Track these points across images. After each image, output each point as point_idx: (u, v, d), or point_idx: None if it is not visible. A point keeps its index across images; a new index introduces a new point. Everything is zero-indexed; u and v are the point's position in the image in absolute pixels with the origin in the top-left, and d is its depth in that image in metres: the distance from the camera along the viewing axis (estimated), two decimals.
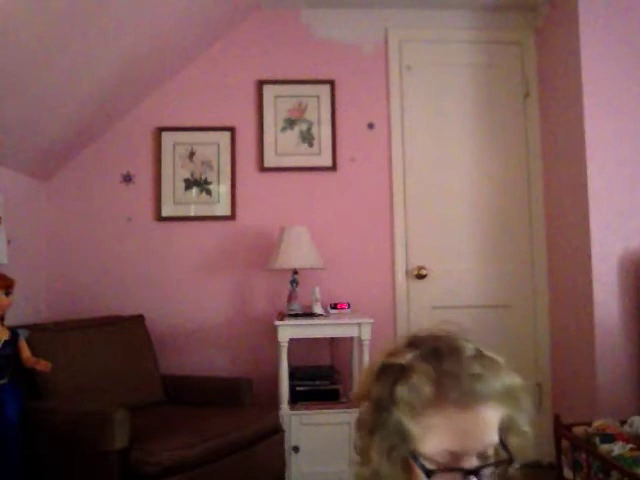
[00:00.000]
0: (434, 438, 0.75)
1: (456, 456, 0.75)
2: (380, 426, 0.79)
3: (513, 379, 0.80)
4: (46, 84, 2.49)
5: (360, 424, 0.84)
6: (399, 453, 0.78)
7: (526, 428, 0.82)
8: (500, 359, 0.83)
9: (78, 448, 2.25)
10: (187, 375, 3.12)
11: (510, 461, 0.78)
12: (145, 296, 3.27)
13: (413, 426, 0.76)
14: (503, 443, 0.78)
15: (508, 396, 0.78)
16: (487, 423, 0.76)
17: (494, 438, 0.77)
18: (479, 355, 0.80)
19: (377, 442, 0.80)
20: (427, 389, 0.75)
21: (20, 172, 2.97)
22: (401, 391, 0.77)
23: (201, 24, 3.14)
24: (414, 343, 0.83)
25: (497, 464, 0.76)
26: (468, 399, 0.75)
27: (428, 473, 0.75)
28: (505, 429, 0.80)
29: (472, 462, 0.75)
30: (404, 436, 0.77)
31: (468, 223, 3.44)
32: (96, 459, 2.19)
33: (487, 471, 0.75)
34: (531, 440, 0.82)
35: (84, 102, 2.89)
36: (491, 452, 0.77)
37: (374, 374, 0.82)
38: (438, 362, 0.78)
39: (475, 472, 0.74)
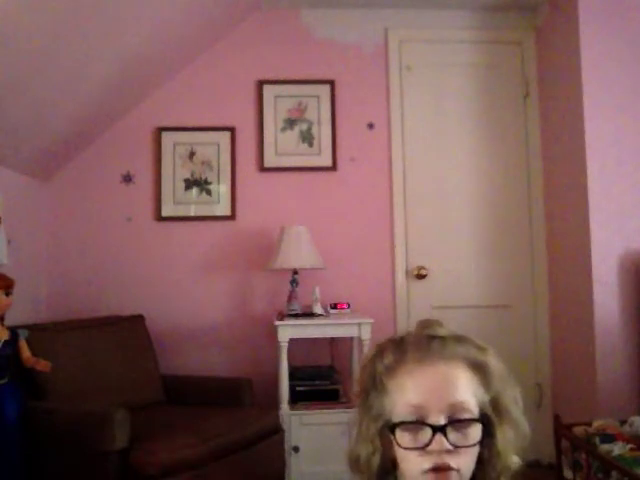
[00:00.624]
0: (401, 397, 0.79)
1: (422, 412, 0.77)
2: (366, 411, 0.84)
3: (490, 358, 0.84)
4: (46, 84, 2.49)
5: (357, 415, 0.88)
6: (376, 426, 0.82)
7: (520, 421, 0.83)
8: (485, 344, 0.86)
9: (78, 448, 2.25)
10: (187, 375, 3.12)
11: (480, 421, 0.79)
12: (145, 296, 3.27)
13: (385, 397, 0.81)
14: (489, 439, 0.80)
15: (481, 370, 0.82)
16: (450, 377, 0.79)
17: (463, 396, 0.78)
18: (449, 331, 0.85)
19: (364, 427, 0.84)
20: (390, 357, 0.83)
21: (20, 172, 2.97)
22: (374, 367, 0.84)
23: (201, 24, 3.14)
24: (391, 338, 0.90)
25: (465, 421, 0.77)
26: (426, 355, 0.80)
27: (393, 427, 0.79)
28: (495, 412, 0.81)
29: (439, 419, 0.77)
30: (380, 411, 0.82)
31: (468, 223, 3.44)
32: (96, 459, 2.18)
33: (456, 429, 0.76)
34: (526, 437, 0.83)
35: (84, 102, 2.89)
36: (467, 414, 0.78)
37: (361, 369, 0.90)
38: (407, 338, 0.84)
39: (441, 428, 0.76)
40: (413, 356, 0.81)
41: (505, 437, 0.81)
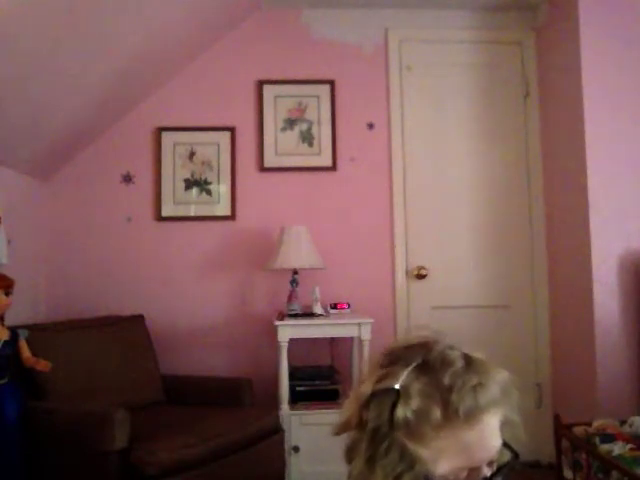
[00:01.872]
0: (446, 458, 0.72)
1: (469, 470, 0.73)
2: (381, 455, 0.74)
3: (503, 376, 0.78)
4: (46, 84, 2.49)
5: (352, 454, 0.79)
6: (409, 477, 0.74)
7: (516, 417, 0.81)
8: (483, 356, 0.80)
9: (78, 448, 2.25)
10: (187, 375, 3.12)
11: (516, 457, 0.77)
12: (145, 296, 3.27)
13: (422, 450, 0.73)
14: (505, 442, 0.78)
15: (504, 396, 0.77)
16: (493, 430, 0.75)
17: (499, 441, 0.76)
18: (469, 361, 0.77)
19: (380, 471, 0.75)
20: (435, 412, 0.72)
21: (20, 172, 2.97)
22: (404, 416, 0.72)
23: (201, 24, 3.14)
24: (396, 359, 0.78)
25: (507, 467, 0.76)
26: (475, 413, 0.72)
27: None
28: (502, 426, 0.79)
29: (484, 471, 0.74)
30: (412, 461, 0.73)
31: (468, 223, 3.44)
32: (96, 459, 2.18)
33: (499, 476, 0.75)
34: (521, 426, 0.82)
35: (84, 102, 2.89)
36: (496, 455, 0.76)
37: (363, 402, 0.77)
38: (433, 379, 0.74)
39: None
40: (461, 414, 0.71)
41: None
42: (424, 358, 0.76)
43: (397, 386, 0.74)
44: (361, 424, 0.76)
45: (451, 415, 0.72)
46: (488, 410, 0.74)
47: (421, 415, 0.72)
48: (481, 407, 0.73)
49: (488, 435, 0.74)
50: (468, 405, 0.72)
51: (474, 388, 0.73)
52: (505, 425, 0.79)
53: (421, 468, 0.73)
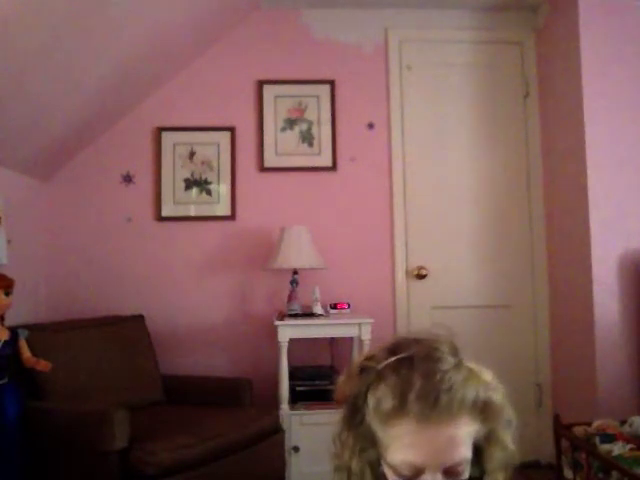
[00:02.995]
0: (397, 449, 0.75)
1: (418, 470, 0.74)
2: (354, 426, 0.81)
3: (492, 393, 0.78)
4: (46, 84, 2.49)
5: (341, 421, 0.85)
6: (368, 455, 0.80)
7: (509, 443, 0.81)
8: (483, 371, 0.80)
9: (78, 448, 2.25)
10: (187, 375, 3.12)
11: (480, 478, 0.78)
12: (145, 296, 3.27)
13: (381, 433, 0.77)
14: (477, 458, 0.78)
15: (484, 411, 0.76)
16: (454, 439, 0.74)
17: (464, 454, 0.75)
18: (456, 367, 0.77)
19: (351, 440, 0.82)
20: (389, 402, 0.75)
21: (20, 172, 2.97)
22: (370, 398, 0.79)
23: (201, 24, 3.14)
24: (395, 348, 0.82)
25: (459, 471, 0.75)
26: (431, 414, 0.73)
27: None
28: (486, 441, 0.79)
29: (436, 478, 0.74)
30: (373, 440, 0.79)
31: (468, 223, 3.44)
32: (96, 459, 2.19)
33: (449, 476, 0.74)
34: (514, 457, 0.82)
35: (84, 102, 2.89)
36: (463, 468, 0.75)
37: (353, 374, 0.84)
38: (409, 373, 0.76)
39: None
40: (416, 412, 0.73)
41: (493, 459, 0.81)
42: (411, 353, 0.79)
43: (378, 368, 0.80)
44: (346, 395, 0.84)
45: (403, 409, 0.74)
46: (450, 417, 0.74)
47: (379, 402, 0.77)
48: (440, 412, 0.73)
49: (444, 442, 0.74)
50: (425, 405, 0.73)
51: (440, 391, 0.74)
52: (490, 442, 0.79)
53: (379, 449, 0.78)
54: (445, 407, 0.73)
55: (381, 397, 0.77)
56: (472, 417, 0.76)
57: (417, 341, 0.82)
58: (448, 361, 0.78)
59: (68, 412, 2.36)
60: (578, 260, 3.02)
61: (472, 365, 0.80)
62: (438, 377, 0.75)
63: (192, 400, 2.87)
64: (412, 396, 0.74)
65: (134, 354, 2.94)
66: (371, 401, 0.78)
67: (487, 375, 0.80)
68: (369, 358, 0.83)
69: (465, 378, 0.76)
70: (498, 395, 0.79)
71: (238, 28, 3.42)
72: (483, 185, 3.46)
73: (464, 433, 0.75)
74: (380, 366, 0.79)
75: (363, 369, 0.82)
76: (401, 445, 0.75)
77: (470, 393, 0.75)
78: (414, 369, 0.77)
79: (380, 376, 0.79)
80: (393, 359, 0.79)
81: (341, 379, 0.87)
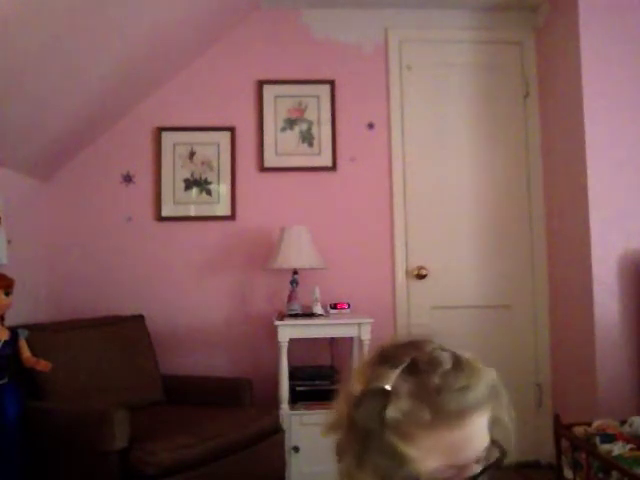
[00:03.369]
0: (433, 457, 0.74)
1: (457, 468, 0.74)
2: (371, 455, 0.76)
3: (491, 376, 0.79)
4: (46, 84, 2.49)
5: (342, 451, 0.79)
6: (398, 476, 0.76)
7: (507, 420, 0.82)
8: (472, 356, 0.81)
9: (78, 448, 2.25)
10: (187, 375, 3.12)
11: (504, 455, 0.78)
12: (145, 296, 3.27)
13: (410, 449, 0.74)
14: (493, 440, 0.79)
15: (492, 396, 0.78)
16: (481, 430, 0.76)
17: (487, 440, 0.77)
18: (457, 361, 0.78)
19: (370, 469, 0.76)
20: (424, 413, 0.73)
21: (20, 172, 2.97)
22: (394, 417, 0.74)
23: (201, 24, 3.14)
24: (386, 359, 0.79)
25: (495, 465, 0.77)
26: (462, 414, 0.74)
27: None
28: (491, 425, 0.80)
29: (472, 469, 0.75)
30: (401, 460, 0.75)
31: (468, 223, 3.44)
32: (96, 459, 2.19)
33: (486, 474, 0.76)
34: (510, 426, 0.82)
35: (84, 102, 2.89)
36: (484, 452, 0.77)
37: (353, 402, 0.77)
38: (422, 379, 0.75)
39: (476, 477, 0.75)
40: (448, 415, 0.72)
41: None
42: (413, 358, 0.77)
43: (387, 387, 0.75)
44: (351, 424, 0.77)
45: (439, 416, 0.73)
46: (475, 410, 0.75)
47: (410, 416, 0.73)
48: (468, 408, 0.74)
49: (475, 435, 0.75)
50: (455, 406, 0.73)
51: (462, 389, 0.74)
52: (494, 424, 0.80)
53: (410, 467, 0.75)
54: (470, 404, 0.74)
55: (408, 411, 0.73)
56: (486, 405, 0.77)
57: (405, 347, 0.80)
58: (447, 358, 0.77)
59: (68, 412, 2.36)
60: (578, 260, 3.02)
61: (465, 355, 0.80)
62: (452, 378, 0.75)
63: (192, 400, 2.87)
64: (442, 399, 0.73)
65: (134, 354, 2.94)
66: (393, 420, 0.73)
67: (477, 360, 0.81)
68: (368, 382, 0.77)
69: (471, 370, 0.77)
70: (494, 375, 0.80)
71: (238, 28, 3.42)
72: (483, 185, 3.46)
73: (484, 421, 0.77)
74: (389, 383, 0.75)
75: (367, 393, 0.76)
76: (438, 452, 0.73)
77: (482, 384, 0.77)
78: (426, 373, 0.75)
79: (394, 392, 0.74)
80: (398, 371, 0.76)
81: (336, 407, 0.81)
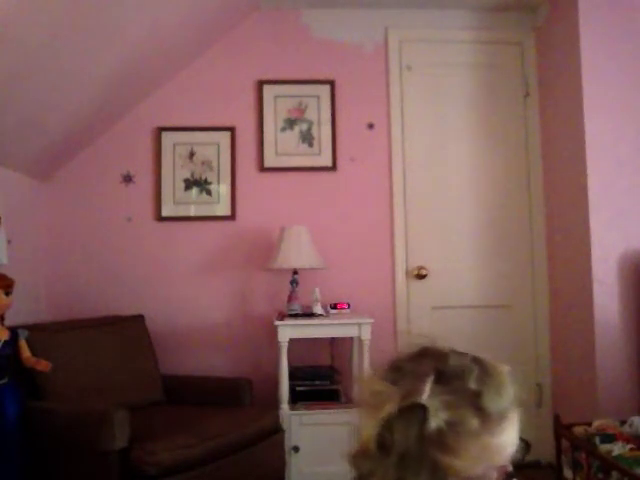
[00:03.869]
0: (478, 463, 0.72)
1: (497, 469, 0.74)
2: (411, 474, 0.70)
3: (507, 370, 0.79)
4: (46, 84, 2.49)
5: (373, 479, 0.74)
6: None
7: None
8: (487, 357, 0.80)
9: (78, 448, 2.25)
10: (187, 375, 3.12)
11: (529, 447, 0.79)
12: (145, 296, 3.27)
13: (455, 460, 0.71)
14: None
15: (516, 395, 0.78)
16: (516, 426, 0.76)
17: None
18: (481, 364, 0.76)
19: None
20: (470, 419, 0.71)
21: (20, 172, 2.97)
22: (437, 430, 0.70)
23: (201, 24, 3.14)
24: (404, 373, 0.75)
25: (522, 457, 0.77)
26: (505, 414, 0.73)
27: None
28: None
29: (508, 466, 0.75)
30: (444, 474, 0.71)
31: (468, 223, 3.44)
32: (96, 459, 2.19)
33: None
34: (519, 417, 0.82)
35: (84, 102, 2.89)
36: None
37: (384, 424, 0.71)
38: (457, 387, 0.72)
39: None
40: (494, 415, 0.72)
41: None
42: (438, 368, 0.74)
43: (422, 401, 0.71)
44: (384, 448, 0.71)
45: (485, 420, 0.71)
46: (513, 408, 0.74)
47: (456, 426, 0.70)
48: (508, 407, 0.74)
49: (513, 432, 0.75)
50: (497, 408, 0.72)
51: (498, 390, 0.74)
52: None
53: (454, 477, 0.71)
54: (509, 399, 0.74)
55: (453, 421, 0.70)
56: (517, 399, 0.77)
57: (418, 358, 0.77)
58: (470, 362, 0.76)
59: (68, 412, 2.36)
60: (578, 260, 3.02)
61: (482, 358, 0.79)
62: (485, 379, 0.74)
63: (192, 400, 2.87)
64: (486, 402, 0.72)
65: (134, 354, 2.94)
66: (435, 434, 0.70)
67: (487, 357, 0.80)
68: (401, 400, 0.72)
69: (494, 369, 0.77)
70: (508, 368, 0.80)
71: (238, 28, 3.42)
72: (483, 185, 3.46)
73: (517, 415, 0.77)
74: (423, 398, 0.71)
75: (401, 413, 0.71)
76: (490, 454, 0.72)
77: (509, 379, 0.76)
78: (459, 380, 0.73)
79: (432, 405, 0.70)
80: (429, 384, 0.72)
81: (361, 435, 0.75)
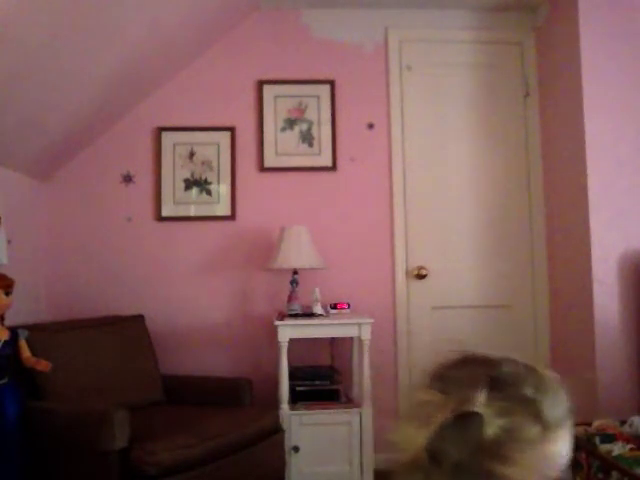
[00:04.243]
0: (535, 473, 0.69)
1: (550, 478, 0.71)
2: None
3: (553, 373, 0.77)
4: (46, 84, 2.49)
5: None
6: None
7: None
8: (533, 364, 0.77)
9: (78, 448, 2.25)
10: (187, 375, 3.12)
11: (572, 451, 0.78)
12: (145, 296, 3.27)
13: (511, 469, 0.68)
14: None
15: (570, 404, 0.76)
16: (570, 439, 0.73)
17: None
18: (531, 369, 0.74)
19: None
20: (529, 427, 0.68)
21: (20, 172, 2.97)
22: (493, 440, 0.67)
23: (201, 24, 3.14)
24: (455, 382, 0.72)
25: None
26: (563, 420, 0.71)
27: None
28: None
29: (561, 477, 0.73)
30: None
31: (468, 223, 3.44)
32: (96, 459, 2.19)
33: None
34: None
35: (84, 102, 2.89)
36: None
37: (435, 436, 0.69)
38: (512, 394, 0.70)
39: None
40: (553, 422, 0.70)
41: None
42: (491, 374, 0.71)
43: (477, 409, 0.68)
44: (435, 460, 0.68)
45: (544, 427, 0.69)
46: (569, 417, 0.72)
47: (513, 433, 0.68)
48: (564, 415, 0.72)
49: (569, 442, 0.72)
50: (556, 414, 0.70)
51: (554, 396, 0.72)
52: None
53: None
54: (565, 405, 0.72)
55: (512, 429, 0.67)
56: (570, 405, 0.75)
57: (462, 365, 0.75)
58: (520, 368, 0.73)
59: (68, 412, 2.36)
60: (578, 260, 3.02)
61: (530, 364, 0.76)
62: (540, 385, 0.72)
63: (192, 400, 2.87)
64: (544, 409, 0.70)
65: (134, 354, 2.94)
66: (493, 443, 0.67)
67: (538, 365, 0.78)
68: (454, 409, 0.69)
69: (543, 373, 0.74)
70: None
71: (238, 28, 3.42)
72: (483, 185, 3.46)
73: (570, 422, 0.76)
74: (477, 406, 0.68)
75: (456, 423, 0.68)
76: (546, 462, 0.70)
77: (559, 384, 0.74)
78: (513, 387, 0.71)
79: (488, 414, 0.68)
80: (483, 392, 0.69)
81: (407, 448, 0.71)
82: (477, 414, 0.68)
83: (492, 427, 0.67)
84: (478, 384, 0.69)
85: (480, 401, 0.68)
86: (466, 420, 0.68)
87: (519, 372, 0.72)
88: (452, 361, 0.76)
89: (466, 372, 0.73)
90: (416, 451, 0.70)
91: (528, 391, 0.70)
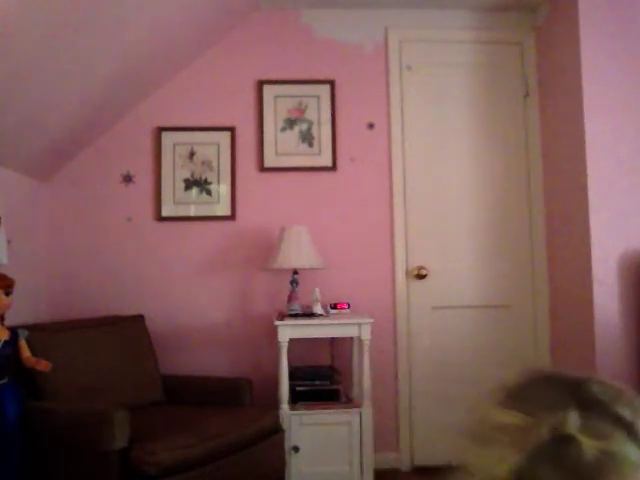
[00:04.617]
0: None
1: None
2: None
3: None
4: (46, 84, 2.49)
5: None
6: None
7: None
8: (619, 383, 0.72)
9: (78, 448, 2.25)
10: (187, 375, 3.12)
11: None
12: (145, 296, 3.27)
13: None
14: None
15: None
16: None
17: None
18: (624, 393, 0.69)
19: None
20: (631, 450, 0.63)
21: (20, 172, 2.97)
22: (592, 465, 0.62)
23: (201, 24, 3.14)
24: (537, 403, 0.67)
25: None
26: None
27: None
28: None
29: None
30: None
31: (468, 223, 3.44)
32: (96, 459, 2.19)
33: None
34: None
35: (84, 102, 2.89)
36: None
37: (523, 462, 0.63)
38: (606, 416, 0.65)
39: None
40: None
41: None
42: (580, 395, 0.67)
43: (571, 431, 0.63)
44: None
45: None
46: None
47: (615, 457, 0.63)
48: None
49: None
50: None
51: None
52: None
53: None
54: None
55: (613, 452, 0.63)
56: None
57: (542, 385, 0.70)
58: (611, 390, 0.68)
59: (68, 412, 2.36)
60: (578, 260, 3.02)
61: (611, 382, 0.71)
62: (633, 405, 0.67)
63: (192, 400, 2.87)
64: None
65: (134, 354, 2.94)
66: (592, 469, 0.62)
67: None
68: (548, 432, 0.64)
69: (636, 396, 0.69)
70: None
71: (238, 28, 3.42)
72: (483, 185, 3.46)
73: None
74: (571, 428, 0.63)
75: (547, 447, 0.63)
76: None
77: None
78: (605, 408, 0.66)
79: (583, 435, 0.63)
80: (574, 413, 0.65)
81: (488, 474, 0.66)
82: (574, 437, 0.63)
83: (592, 450, 0.62)
84: (568, 405, 0.65)
85: (574, 423, 0.63)
86: (563, 444, 0.63)
87: (610, 393, 0.67)
88: (530, 380, 0.71)
89: (551, 392, 0.68)
90: (500, 477, 0.64)
91: (624, 412, 0.65)
